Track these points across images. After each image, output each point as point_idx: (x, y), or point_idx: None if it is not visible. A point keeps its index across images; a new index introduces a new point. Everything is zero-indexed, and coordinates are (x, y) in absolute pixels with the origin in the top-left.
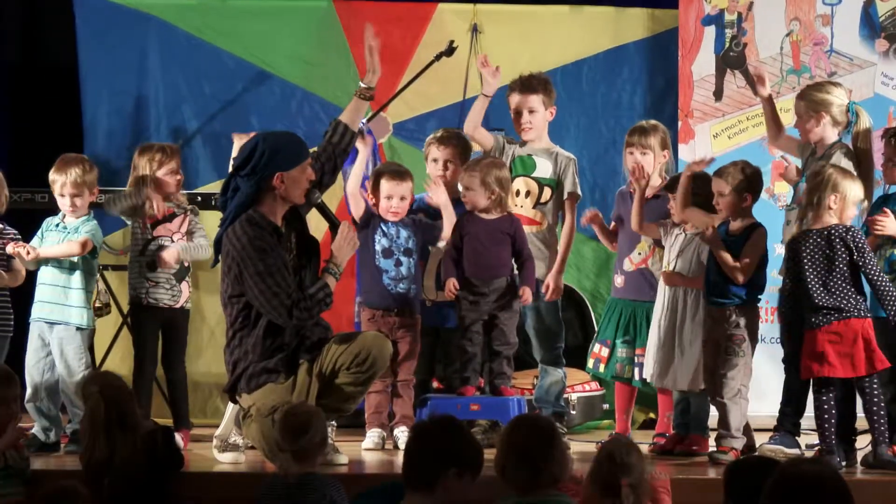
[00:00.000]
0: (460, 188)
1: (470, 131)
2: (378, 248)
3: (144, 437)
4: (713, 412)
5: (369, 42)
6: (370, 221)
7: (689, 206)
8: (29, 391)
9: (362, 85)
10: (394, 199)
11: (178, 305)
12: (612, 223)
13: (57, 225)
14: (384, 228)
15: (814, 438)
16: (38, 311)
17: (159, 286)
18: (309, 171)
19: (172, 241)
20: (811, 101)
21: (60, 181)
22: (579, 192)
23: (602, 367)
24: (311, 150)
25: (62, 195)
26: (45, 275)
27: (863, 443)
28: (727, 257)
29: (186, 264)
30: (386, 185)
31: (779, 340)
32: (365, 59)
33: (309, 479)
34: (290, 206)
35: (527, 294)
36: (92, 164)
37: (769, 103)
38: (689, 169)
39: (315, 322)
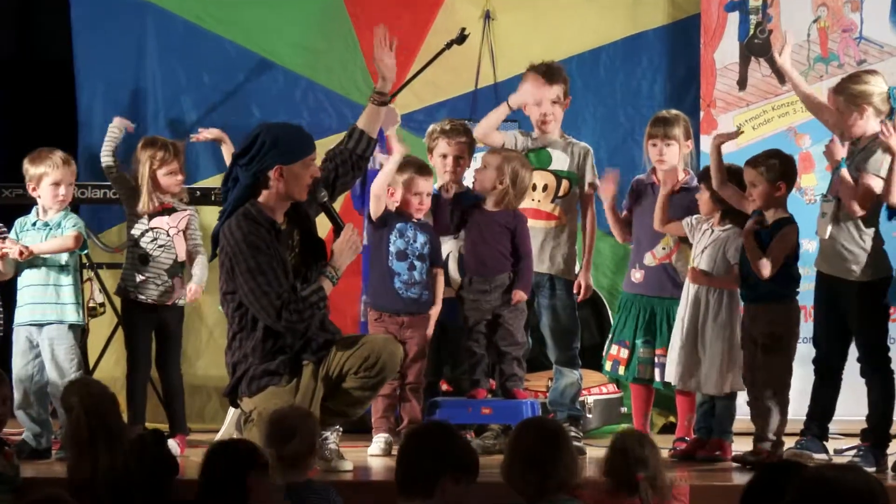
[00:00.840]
0: (472, 171)
1: (480, 136)
2: (392, 249)
3: (132, 444)
4: (738, 415)
5: (379, 45)
6: (387, 221)
7: (726, 182)
8: (18, 398)
9: (375, 89)
10: (422, 195)
11: (169, 303)
12: (624, 211)
13: (34, 224)
14: (401, 229)
15: (842, 443)
16: (26, 314)
17: (149, 282)
18: (313, 168)
19: (168, 236)
20: (850, 95)
21: (58, 171)
22: (598, 182)
23: (622, 370)
24: (328, 149)
25: (56, 184)
26: (32, 276)
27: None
28: (753, 255)
29: (181, 260)
30: (415, 182)
31: (807, 340)
32: (375, 64)
33: (302, 487)
34: (296, 203)
35: (517, 296)
36: None
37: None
38: (717, 139)
39: (321, 326)
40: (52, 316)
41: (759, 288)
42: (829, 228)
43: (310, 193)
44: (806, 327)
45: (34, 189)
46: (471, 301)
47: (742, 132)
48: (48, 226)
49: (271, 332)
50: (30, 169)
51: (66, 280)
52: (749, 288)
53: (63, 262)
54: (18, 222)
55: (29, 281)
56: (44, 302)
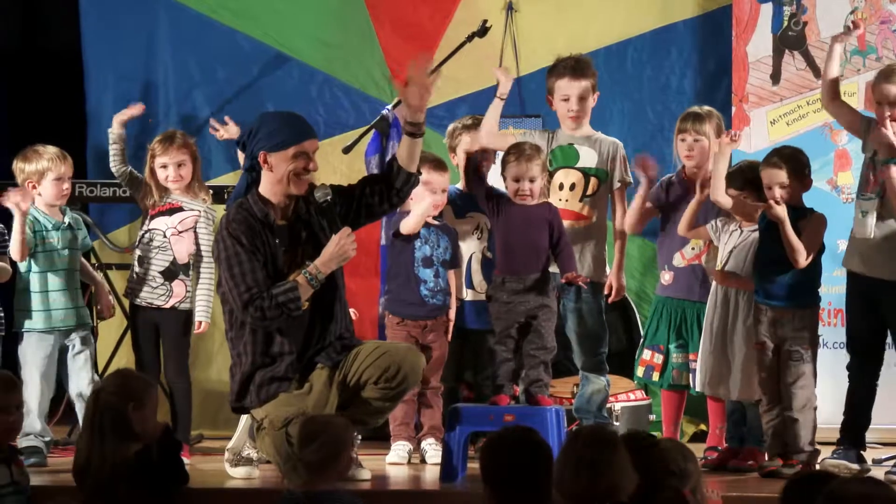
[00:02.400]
0: (510, 180)
1: (485, 141)
2: (418, 255)
3: (138, 454)
4: None
5: (415, 79)
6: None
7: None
8: (45, 403)
9: (407, 120)
10: (437, 191)
11: (167, 306)
12: (648, 204)
13: (55, 224)
14: (425, 235)
15: (881, 452)
16: (58, 318)
17: (146, 283)
18: (305, 160)
19: (165, 237)
20: (887, 93)
21: (60, 166)
22: (630, 178)
23: (656, 376)
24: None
25: (59, 179)
26: (57, 280)
27: None
28: (794, 237)
29: (182, 262)
30: (430, 177)
31: (839, 345)
32: (404, 94)
33: (326, 496)
34: (308, 201)
35: (571, 277)
36: None
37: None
38: (721, 148)
39: (339, 335)
40: (81, 319)
41: (790, 288)
42: (873, 227)
43: (308, 189)
44: (835, 331)
45: (34, 187)
46: (503, 303)
47: (739, 137)
48: (71, 228)
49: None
50: (26, 167)
51: (79, 283)
52: (774, 287)
53: (78, 267)
54: (28, 221)
55: (55, 286)
56: (74, 307)
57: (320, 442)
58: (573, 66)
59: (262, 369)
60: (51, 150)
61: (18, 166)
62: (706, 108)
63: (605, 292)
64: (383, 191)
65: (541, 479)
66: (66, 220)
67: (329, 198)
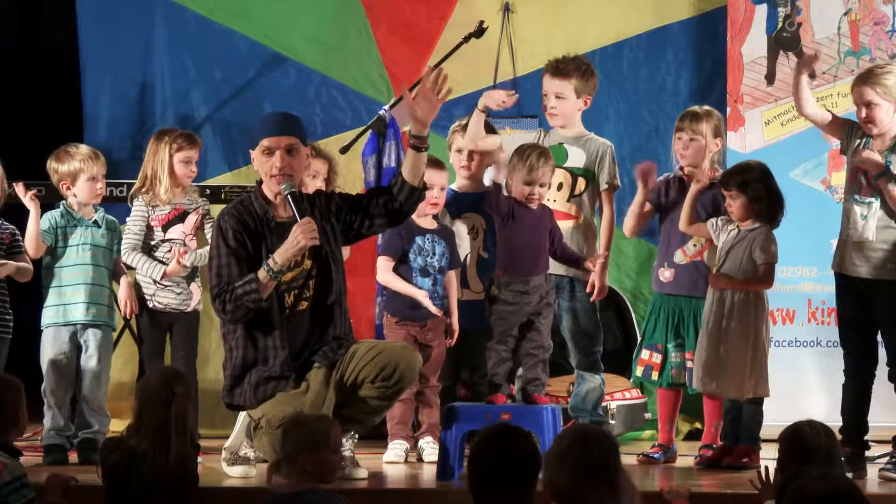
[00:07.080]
0: (518, 183)
1: (470, 145)
2: (415, 266)
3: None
4: (766, 422)
5: (425, 94)
6: (402, 238)
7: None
8: (64, 397)
9: (411, 133)
10: (434, 188)
11: (189, 310)
12: (649, 206)
13: (79, 220)
14: (420, 244)
15: (874, 451)
16: (79, 312)
17: (167, 289)
18: (269, 156)
19: (185, 245)
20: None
21: (93, 166)
22: (618, 181)
23: (655, 375)
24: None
25: (94, 178)
26: (87, 274)
27: None
28: None
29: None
30: (427, 176)
31: (834, 344)
32: (412, 108)
33: (309, 495)
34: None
35: (594, 259)
36: None
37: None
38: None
39: (335, 336)
40: (103, 318)
41: None
42: (873, 229)
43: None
44: (830, 330)
45: (68, 188)
46: (508, 303)
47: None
48: (98, 226)
49: (251, 323)
50: (60, 167)
51: (109, 283)
52: None
53: (110, 263)
54: (52, 217)
55: (70, 280)
56: (99, 303)
57: (321, 446)
58: (554, 66)
59: (256, 368)
60: (83, 149)
61: (52, 167)
62: (705, 107)
63: (588, 290)
64: (389, 204)
65: (525, 483)
66: (95, 217)
67: (293, 190)
